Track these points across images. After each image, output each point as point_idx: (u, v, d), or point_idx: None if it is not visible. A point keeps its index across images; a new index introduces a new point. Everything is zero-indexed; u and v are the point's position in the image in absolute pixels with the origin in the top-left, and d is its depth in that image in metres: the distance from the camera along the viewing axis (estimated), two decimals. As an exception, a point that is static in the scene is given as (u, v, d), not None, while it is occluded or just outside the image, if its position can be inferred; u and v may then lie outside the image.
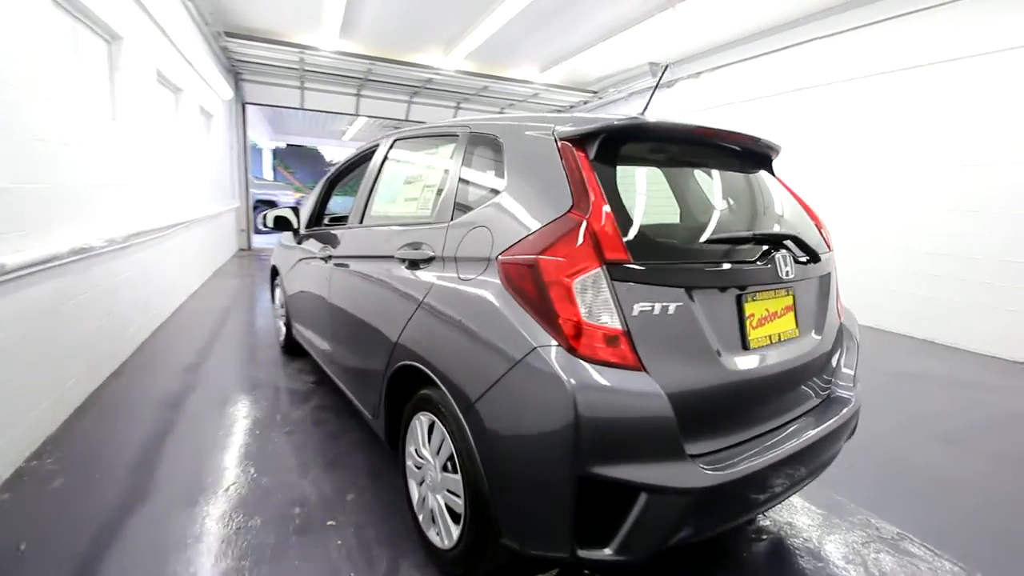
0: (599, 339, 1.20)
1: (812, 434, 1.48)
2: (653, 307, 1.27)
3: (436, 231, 1.66)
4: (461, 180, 1.68)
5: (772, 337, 1.51)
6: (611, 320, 1.21)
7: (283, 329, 3.63)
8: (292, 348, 3.55)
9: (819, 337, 1.67)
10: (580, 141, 1.40)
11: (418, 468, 1.68)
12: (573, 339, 1.19)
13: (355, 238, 2.25)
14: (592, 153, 1.38)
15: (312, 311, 2.81)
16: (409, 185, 2.06)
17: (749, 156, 1.80)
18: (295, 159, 22.58)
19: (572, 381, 1.15)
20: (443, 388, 1.45)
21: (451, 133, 1.86)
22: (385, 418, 1.89)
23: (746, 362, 1.42)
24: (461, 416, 1.38)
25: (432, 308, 1.55)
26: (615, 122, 1.38)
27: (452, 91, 9.17)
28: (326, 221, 3.24)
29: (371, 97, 9.56)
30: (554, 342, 1.20)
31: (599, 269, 1.22)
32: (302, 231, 3.11)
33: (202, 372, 3.28)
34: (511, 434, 1.25)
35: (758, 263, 1.48)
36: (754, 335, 1.45)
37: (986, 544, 1.86)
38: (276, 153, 21.21)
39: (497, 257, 1.37)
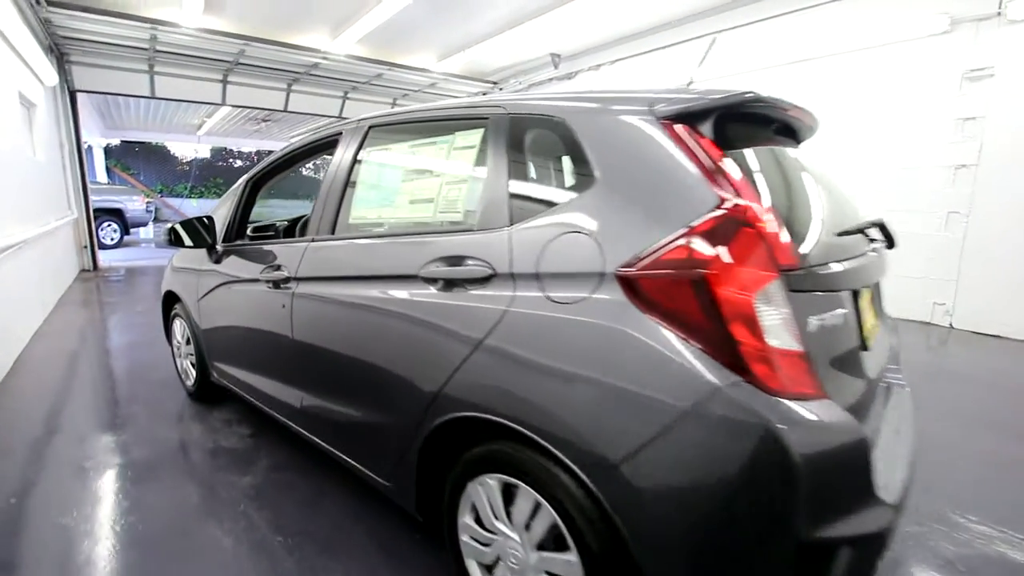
0: (788, 366, 0.94)
1: (911, 430, 1.39)
2: (824, 318, 1.05)
3: (489, 240, 1.28)
4: (513, 173, 1.32)
5: (873, 333, 1.38)
6: (793, 342, 0.96)
7: (191, 371, 2.89)
8: (208, 394, 2.84)
9: (887, 325, 1.60)
10: (689, 121, 1.12)
11: (485, 546, 1.31)
12: (760, 371, 0.92)
13: (330, 255, 1.75)
14: (710, 135, 1.12)
15: (254, 351, 2.21)
16: (414, 183, 1.63)
17: (796, 136, 1.66)
18: (136, 158, 19.36)
19: (780, 424, 0.89)
20: (547, 445, 1.10)
21: (475, 116, 1.48)
22: (416, 484, 1.47)
23: (871, 364, 1.28)
24: (589, 481, 1.05)
25: (510, 342, 1.18)
26: (731, 96, 1.12)
27: (340, 79, 8.34)
28: (249, 232, 2.61)
29: (241, 84, 8.35)
30: (737, 377, 0.92)
31: (777, 279, 0.97)
32: (219, 247, 2.45)
33: (88, 445, 2.47)
34: (689, 501, 0.95)
35: (869, 253, 1.34)
36: (866, 332, 1.31)
37: None
38: (110, 152, 18.00)
39: (617, 271, 1.05)
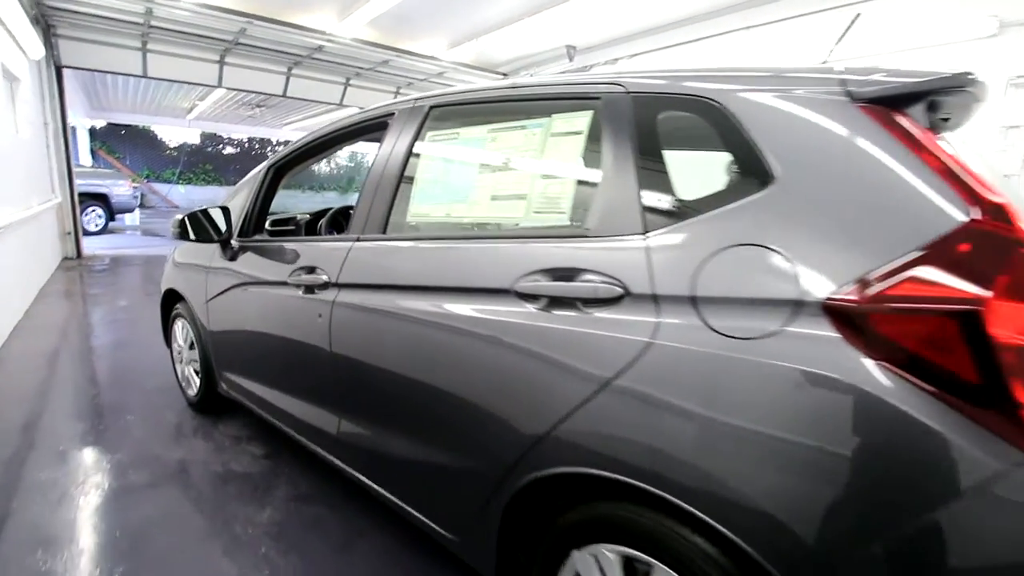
0: None
1: None
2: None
3: (616, 250, 1.01)
4: (644, 168, 1.05)
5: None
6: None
7: (194, 379, 2.57)
8: (212, 405, 2.53)
9: None
10: (897, 105, 0.87)
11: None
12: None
13: (383, 259, 1.47)
14: (925, 124, 0.86)
15: (276, 364, 1.92)
16: (495, 176, 1.34)
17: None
18: (122, 141, 18.71)
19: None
20: (712, 523, 0.84)
21: (578, 96, 1.20)
22: (498, 546, 1.20)
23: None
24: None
25: (656, 385, 0.91)
26: (951, 77, 0.86)
27: (343, 64, 7.97)
28: (268, 226, 2.31)
29: (238, 66, 7.94)
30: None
31: (1075, 321, 0.71)
32: (235, 242, 2.14)
33: (71, 465, 2.15)
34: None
35: None
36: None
37: None
38: (95, 133, 17.34)
39: (828, 299, 0.78)
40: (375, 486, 1.54)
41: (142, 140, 19.19)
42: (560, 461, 1.03)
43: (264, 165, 2.20)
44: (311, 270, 1.67)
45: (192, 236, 2.08)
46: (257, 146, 22.26)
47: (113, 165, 17.30)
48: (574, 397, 1.01)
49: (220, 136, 20.73)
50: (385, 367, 1.40)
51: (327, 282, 1.59)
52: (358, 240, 1.55)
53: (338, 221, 2.62)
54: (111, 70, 7.51)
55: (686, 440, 0.87)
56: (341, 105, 9.68)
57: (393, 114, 1.63)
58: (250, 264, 2.03)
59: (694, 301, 0.90)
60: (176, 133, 19.45)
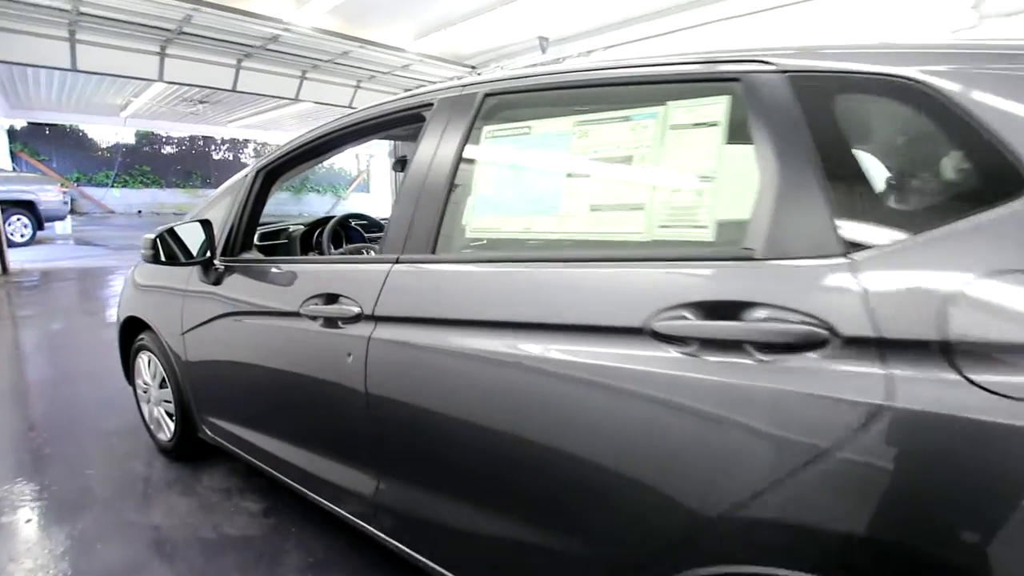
0: None
1: None
2: None
3: (809, 277, 0.77)
4: (829, 169, 0.80)
5: None
6: None
7: (166, 422, 2.18)
8: (189, 451, 2.15)
9: None
10: None
11: None
12: None
13: (439, 286, 1.17)
14: None
15: (284, 410, 1.59)
16: (591, 181, 1.06)
17: None
18: (47, 142, 17.13)
19: None
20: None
21: (706, 78, 0.96)
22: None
23: None
24: None
25: (896, 462, 0.68)
26: None
27: (300, 55, 7.44)
28: (256, 241, 1.95)
29: (182, 58, 7.26)
30: None
31: None
32: (219, 262, 1.78)
33: (19, 541, 1.74)
34: None
35: None
36: None
37: None
38: (14, 134, 15.79)
39: None
40: (434, 565, 1.25)
41: (70, 141, 17.66)
42: (743, 556, 0.79)
43: (251, 169, 1.84)
44: (332, 299, 1.36)
45: (169, 259, 1.71)
46: (200, 145, 20.93)
47: (38, 169, 15.82)
48: (757, 473, 0.76)
49: (158, 135, 19.35)
50: (451, 420, 1.11)
51: (359, 314, 1.28)
52: (398, 262, 1.25)
53: (339, 234, 2.28)
54: (33, 63, 6.69)
55: (941, 539, 0.65)
56: (296, 100, 9.11)
57: (431, 105, 1.33)
58: (242, 289, 1.67)
59: (947, 349, 0.66)
60: (108, 132, 18.00)
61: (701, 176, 0.93)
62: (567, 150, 1.10)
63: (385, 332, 1.23)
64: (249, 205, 1.80)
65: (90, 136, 18.16)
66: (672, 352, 0.84)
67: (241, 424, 1.76)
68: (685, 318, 0.84)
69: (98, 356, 3.53)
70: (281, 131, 16.63)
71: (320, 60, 7.70)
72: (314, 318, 1.39)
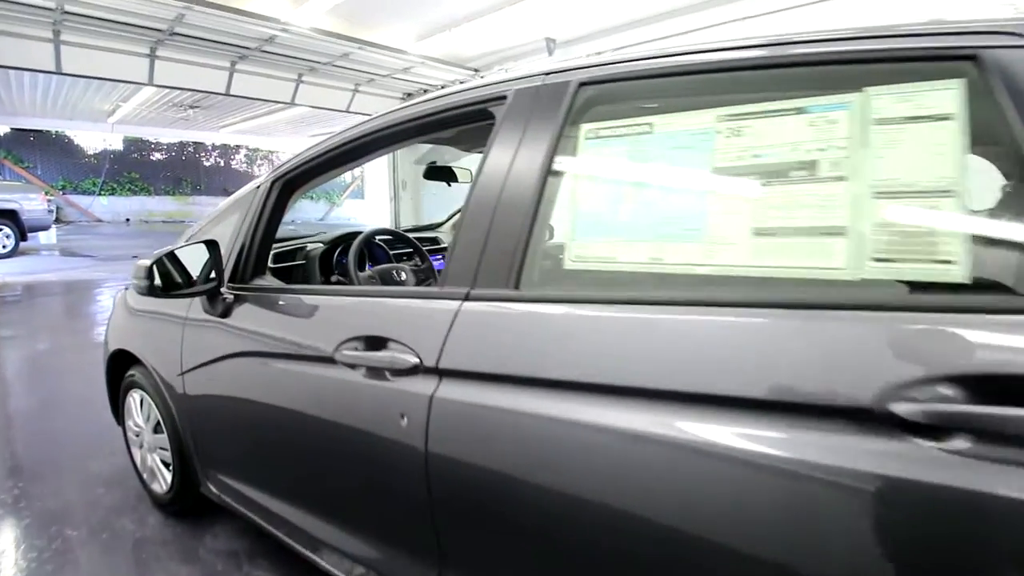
0: None
1: None
2: None
3: None
4: None
5: None
6: None
7: (162, 472, 1.88)
8: (188, 503, 1.85)
9: None
10: None
11: None
12: None
13: (535, 332, 0.89)
14: None
15: (307, 472, 1.30)
16: (756, 196, 0.79)
17: None
18: (32, 149, 16.66)
19: None
20: None
21: (914, 56, 0.70)
22: None
23: None
24: None
25: None
26: None
27: (297, 57, 7.14)
28: (271, 263, 1.67)
29: (173, 60, 6.94)
30: None
31: None
32: (227, 290, 1.49)
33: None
34: None
35: None
36: None
37: None
38: (-2, 141, 15.36)
39: None
40: None
41: (55, 147, 17.21)
42: None
43: (264, 179, 1.56)
44: (378, 343, 1.08)
45: (167, 289, 1.42)
46: (190, 151, 20.54)
47: (23, 176, 15.35)
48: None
49: (147, 141, 18.95)
50: (561, 508, 0.83)
51: (417, 365, 1.00)
52: (468, 298, 0.97)
53: (364, 254, 1.99)
54: (15, 65, 6.34)
55: None
56: (292, 104, 8.80)
57: (504, 99, 1.05)
58: (257, 324, 1.39)
59: None
60: (96, 139, 17.57)
61: (934, 189, 0.67)
62: (710, 154, 0.82)
63: (454, 391, 0.95)
64: (263, 222, 1.52)
65: (76, 142, 17.74)
66: (926, 444, 0.58)
67: (257, 486, 1.47)
68: (945, 398, 0.57)
69: (86, 381, 3.21)
70: (274, 136, 16.30)
71: (318, 63, 7.41)
72: (353, 366, 1.11)
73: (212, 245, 1.45)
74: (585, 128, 0.95)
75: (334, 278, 1.81)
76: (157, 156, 19.76)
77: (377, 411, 1.06)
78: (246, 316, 1.43)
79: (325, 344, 1.16)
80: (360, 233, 1.93)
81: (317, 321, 1.23)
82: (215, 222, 1.67)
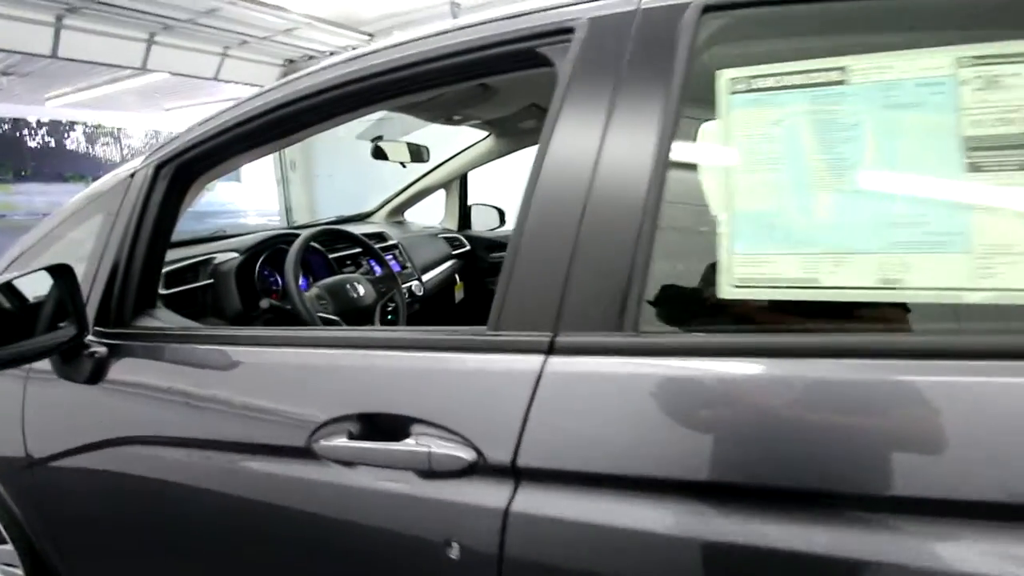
0: None
1: None
2: None
3: None
4: None
5: None
6: None
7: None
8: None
9: None
10: None
11: None
12: None
13: (694, 404, 0.56)
14: None
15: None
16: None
17: None
18: None
19: None
20: None
21: None
22: None
23: None
24: None
25: None
26: None
27: (148, 12, 5.90)
28: (162, 289, 1.16)
29: (-30, 11, 5.40)
30: None
31: None
32: (96, 338, 0.96)
33: None
34: None
35: None
36: None
37: None
38: None
39: None
40: None
41: None
42: None
43: (143, 163, 1.02)
44: (397, 425, 0.67)
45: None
46: (7, 128, 16.93)
47: None
48: None
49: (-58, 117, 15.29)
50: None
51: (476, 463, 0.62)
52: (554, 350, 0.61)
53: (308, 262, 1.48)
54: None
55: None
56: (143, 70, 7.38)
57: (569, 32, 0.68)
58: (155, 391, 0.90)
59: None
60: None
61: None
62: (952, 116, 0.53)
63: (547, 502, 0.59)
64: (146, 228, 1.00)
65: None
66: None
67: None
68: None
69: None
70: (121, 111, 13.85)
71: (175, 20, 6.19)
72: (350, 463, 0.70)
73: (61, 273, 0.91)
74: (726, 78, 0.61)
75: (265, 303, 1.30)
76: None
77: (399, 538, 0.67)
78: (133, 378, 0.93)
79: (292, 427, 0.73)
80: (287, 233, 1.43)
81: (273, 386, 0.78)
82: (60, 231, 1.10)
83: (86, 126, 17.54)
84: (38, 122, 16.57)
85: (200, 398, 0.85)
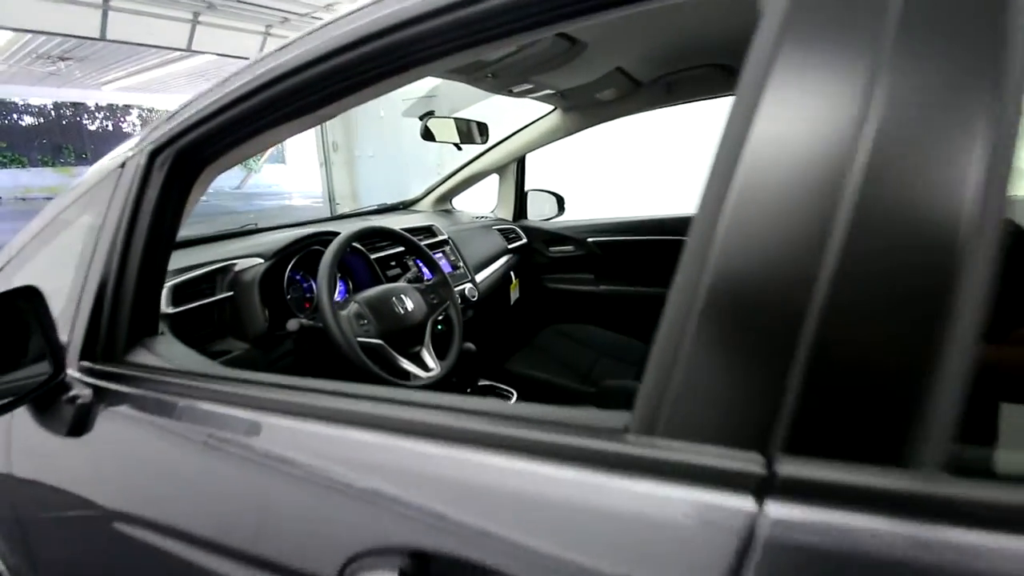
0: None
1: None
2: None
3: None
4: None
5: None
6: None
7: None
8: None
9: None
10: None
11: None
12: None
13: None
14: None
15: None
16: None
17: None
18: None
19: None
20: None
21: None
22: None
23: None
24: None
25: None
26: None
27: (190, -8, 5.79)
28: (169, 307, 0.92)
29: (21, -5, 5.43)
30: None
31: None
32: (77, 376, 0.74)
33: None
34: None
35: None
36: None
37: None
38: None
39: None
40: None
41: None
42: None
43: (135, 149, 0.79)
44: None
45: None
46: (69, 113, 17.64)
47: None
48: None
49: (14, 102, 16.03)
50: None
51: None
52: (773, 487, 0.32)
53: (347, 264, 1.24)
54: None
55: None
56: (189, 52, 7.39)
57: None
58: (153, 453, 0.67)
59: None
60: (-60, 100, 14.63)
61: None
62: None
63: None
64: (140, 233, 0.76)
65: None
66: None
67: None
68: None
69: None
70: (172, 93, 14.15)
71: (217, -2, 6.08)
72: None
73: (28, 298, 0.68)
74: None
75: (293, 323, 1.03)
76: (29, 120, 16.76)
77: None
78: (123, 434, 0.70)
79: (318, 547, 0.48)
80: (322, 232, 1.19)
81: (300, 479, 0.53)
82: (42, 238, 0.89)
83: (141, 109, 18.08)
84: (96, 106, 17.20)
85: (201, 478, 0.62)
